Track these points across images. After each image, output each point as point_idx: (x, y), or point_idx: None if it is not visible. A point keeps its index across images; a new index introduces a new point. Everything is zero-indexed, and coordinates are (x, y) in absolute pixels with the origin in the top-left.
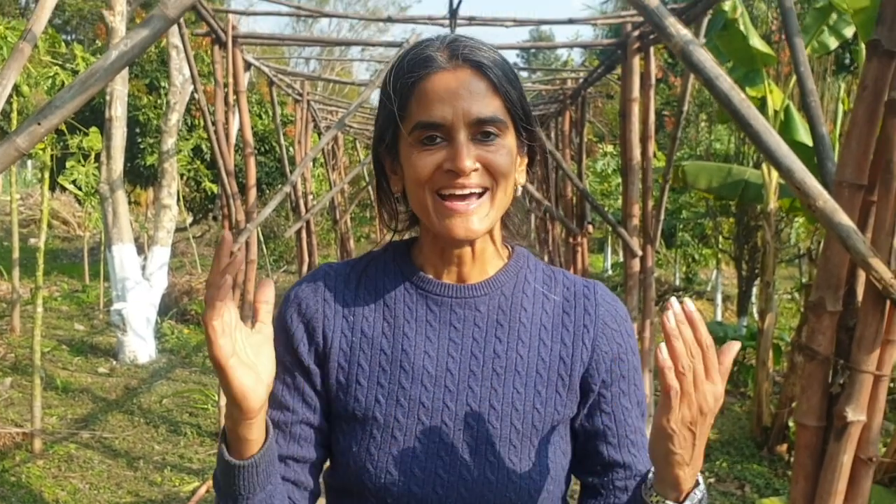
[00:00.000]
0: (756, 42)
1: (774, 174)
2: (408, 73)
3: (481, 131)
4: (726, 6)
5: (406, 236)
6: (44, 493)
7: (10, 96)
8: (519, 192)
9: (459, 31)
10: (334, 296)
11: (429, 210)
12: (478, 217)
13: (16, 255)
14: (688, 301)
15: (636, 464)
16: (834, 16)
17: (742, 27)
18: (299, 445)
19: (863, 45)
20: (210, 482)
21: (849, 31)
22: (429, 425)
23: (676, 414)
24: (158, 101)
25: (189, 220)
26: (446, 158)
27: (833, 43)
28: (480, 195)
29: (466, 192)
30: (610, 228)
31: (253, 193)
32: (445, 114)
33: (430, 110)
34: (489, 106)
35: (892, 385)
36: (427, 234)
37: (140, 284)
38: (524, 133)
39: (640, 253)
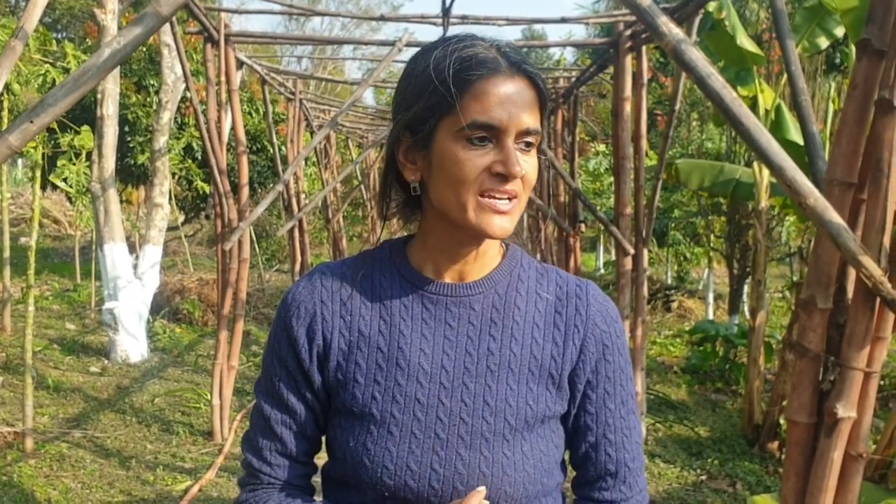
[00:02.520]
0: (744, 42)
1: (766, 173)
2: (469, 70)
3: (524, 140)
4: (711, 6)
5: (397, 235)
6: (35, 492)
7: (1, 94)
8: None
9: (452, 29)
10: (331, 296)
11: (467, 207)
12: (510, 217)
13: (6, 253)
14: None
15: (608, 462)
16: (824, 15)
17: (729, 27)
18: (308, 443)
19: (853, 46)
20: (202, 481)
21: (839, 31)
22: (424, 421)
23: None
24: (147, 100)
25: (181, 218)
26: (496, 161)
27: (824, 42)
28: (515, 199)
29: (505, 196)
30: (602, 227)
31: (245, 192)
32: (502, 117)
33: (489, 111)
34: (534, 117)
35: (882, 382)
36: (440, 231)
37: (132, 283)
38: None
39: (632, 251)
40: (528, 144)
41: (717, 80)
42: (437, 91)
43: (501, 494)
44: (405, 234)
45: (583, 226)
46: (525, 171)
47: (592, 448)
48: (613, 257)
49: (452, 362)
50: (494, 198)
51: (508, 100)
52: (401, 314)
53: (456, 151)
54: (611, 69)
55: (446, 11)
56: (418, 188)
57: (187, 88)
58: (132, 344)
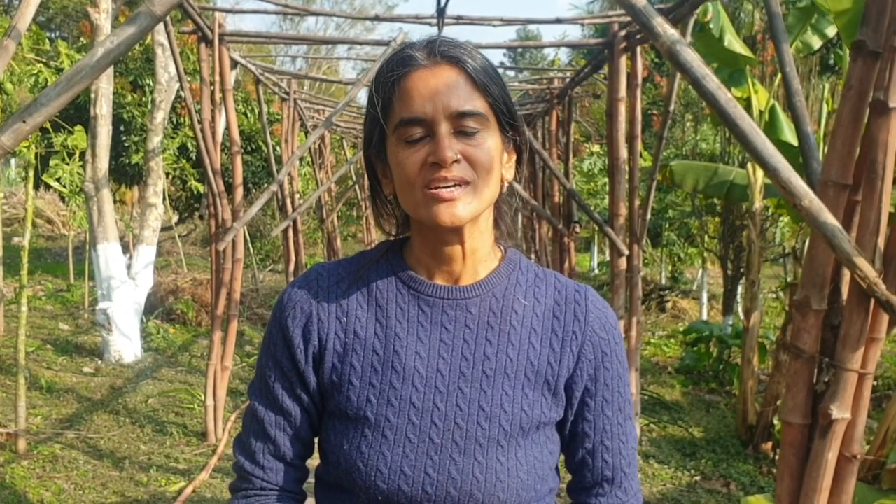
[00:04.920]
0: (733, 43)
1: (760, 173)
2: (388, 74)
3: (463, 125)
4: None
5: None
6: (28, 493)
7: None
8: (506, 189)
9: (447, 30)
10: (327, 297)
11: (418, 203)
12: (462, 203)
13: None
14: None
15: (605, 469)
16: (816, 15)
17: (715, 30)
18: (302, 445)
19: (847, 47)
20: (196, 482)
21: (831, 31)
22: (419, 425)
23: None
24: (143, 99)
25: (175, 218)
26: (430, 152)
27: (816, 42)
28: (465, 185)
29: (451, 183)
30: (596, 227)
31: (239, 192)
32: (426, 109)
33: (412, 106)
34: (469, 100)
35: (875, 383)
36: (418, 233)
37: (125, 284)
38: (509, 129)
39: (626, 252)
40: (470, 128)
41: (713, 82)
42: (372, 103)
43: (494, 500)
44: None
45: (578, 226)
46: (467, 154)
47: (589, 454)
48: (608, 258)
49: (448, 366)
50: (439, 188)
51: (430, 90)
52: (397, 316)
53: (397, 154)
54: (605, 70)
55: (441, 12)
56: (392, 200)
57: (181, 88)
58: (126, 344)
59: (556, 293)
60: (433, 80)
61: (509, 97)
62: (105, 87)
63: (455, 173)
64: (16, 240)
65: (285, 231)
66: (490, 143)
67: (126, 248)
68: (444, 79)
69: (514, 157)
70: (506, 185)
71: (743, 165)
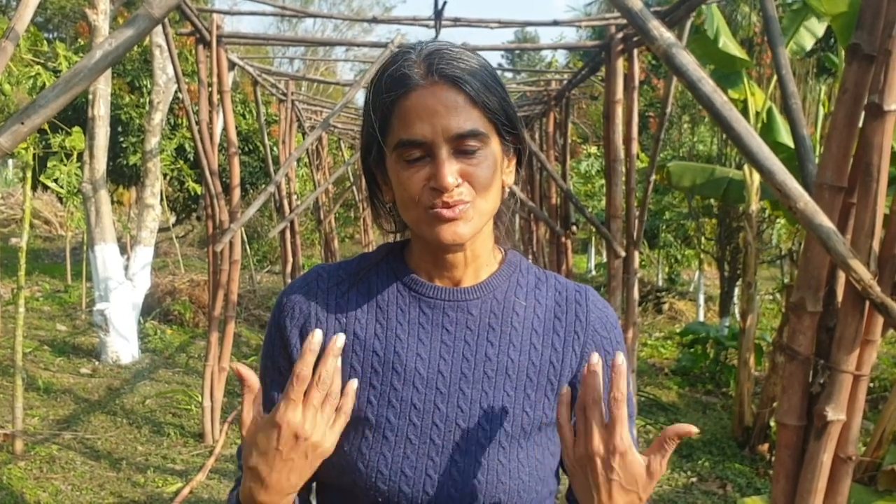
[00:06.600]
0: (729, 45)
1: (756, 175)
2: (386, 92)
3: (463, 146)
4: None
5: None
6: (25, 494)
7: None
8: (506, 194)
9: (444, 32)
10: (326, 298)
11: (420, 221)
12: (464, 222)
13: None
14: (620, 357)
15: None
16: (811, 17)
17: (710, 32)
18: None
19: (841, 51)
20: (193, 483)
21: (821, 29)
22: (420, 427)
23: (570, 450)
24: (140, 101)
25: (172, 219)
26: (430, 175)
27: (809, 42)
28: (466, 204)
29: (452, 206)
30: (594, 229)
31: (237, 193)
32: (425, 132)
33: (411, 128)
34: (468, 119)
35: (871, 385)
36: (418, 240)
37: (123, 284)
38: (509, 137)
39: (623, 254)
40: (470, 147)
41: (708, 84)
42: (369, 119)
43: (495, 502)
44: (399, 237)
45: (574, 228)
46: (467, 174)
47: None
48: (605, 259)
49: (449, 367)
50: (441, 209)
51: (429, 111)
52: (397, 318)
53: (398, 172)
54: (602, 71)
55: (438, 14)
56: (392, 207)
57: (179, 89)
58: (123, 345)
59: (557, 294)
60: (431, 100)
61: (509, 104)
62: (103, 88)
63: (456, 197)
64: (13, 240)
65: (283, 232)
66: (491, 158)
67: (123, 249)
68: (441, 99)
69: (514, 162)
70: (507, 190)
71: (740, 167)
